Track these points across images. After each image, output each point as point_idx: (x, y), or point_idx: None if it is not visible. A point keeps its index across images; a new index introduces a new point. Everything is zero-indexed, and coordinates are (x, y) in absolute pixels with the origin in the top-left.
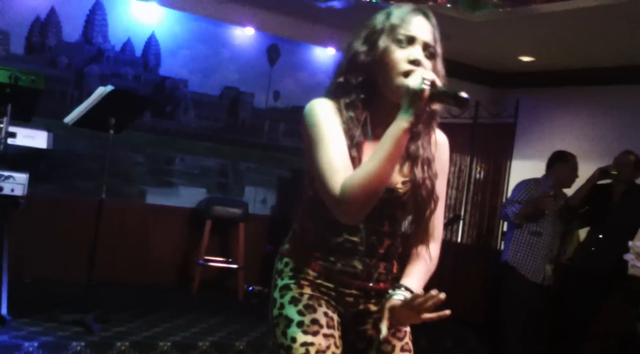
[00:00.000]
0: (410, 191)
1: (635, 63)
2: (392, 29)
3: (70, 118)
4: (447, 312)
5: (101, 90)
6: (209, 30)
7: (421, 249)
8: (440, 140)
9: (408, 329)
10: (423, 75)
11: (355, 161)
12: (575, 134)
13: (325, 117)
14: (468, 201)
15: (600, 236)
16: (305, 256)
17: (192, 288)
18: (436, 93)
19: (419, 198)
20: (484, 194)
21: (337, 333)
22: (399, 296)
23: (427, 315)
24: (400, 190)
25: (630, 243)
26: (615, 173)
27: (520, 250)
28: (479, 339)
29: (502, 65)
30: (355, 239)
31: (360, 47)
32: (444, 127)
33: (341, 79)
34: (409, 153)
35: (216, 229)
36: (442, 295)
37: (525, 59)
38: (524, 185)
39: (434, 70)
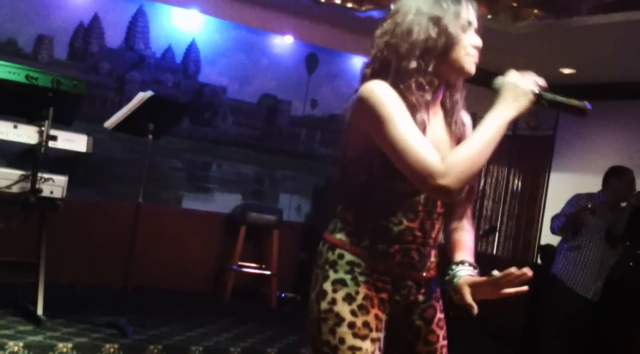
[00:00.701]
0: None
1: None
2: (457, 15)
3: (110, 123)
4: (525, 288)
5: (141, 96)
6: (249, 38)
7: (464, 224)
8: (466, 122)
9: (443, 316)
10: (537, 80)
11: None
12: (616, 149)
13: (392, 96)
14: (504, 213)
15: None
16: (364, 250)
17: (225, 293)
18: (549, 101)
19: None
20: (521, 206)
21: (382, 335)
22: (466, 272)
23: (507, 290)
24: None
25: None
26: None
27: (569, 265)
28: (512, 352)
29: (543, 78)
30: (413, 226)
31: (431, 32)
32: None
33: (413, 64)
34: (453, 130)
35: (250, 235)
36: (530, 273)
37: (566, 71)
38: (573, 199)
39: None
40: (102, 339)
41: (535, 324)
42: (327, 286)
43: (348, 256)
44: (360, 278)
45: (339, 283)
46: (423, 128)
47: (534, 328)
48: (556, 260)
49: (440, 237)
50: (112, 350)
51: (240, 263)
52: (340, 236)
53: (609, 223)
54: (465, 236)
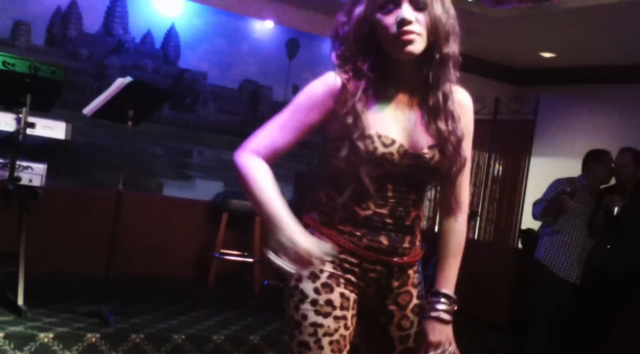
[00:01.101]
0: (438, 155)
1: None
2: None
3: (89, 109)
4: None
5: (120, 82)
6: (229, 23)
7: (450, 223)
8: (464, 102)
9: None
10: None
11: (352, 127)
12: (596, 132)
13: (307, 94)
14: (485, 198)
15: (615, 236)
16: (332, 230)
17: (208, 281)
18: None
19: (446, 156)
20: (502, 191)
21: (350, 313)
22: (439, 311)
23: None
24: (427, 155)
25: None
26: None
27: (551, 249)
28: (497, 339)
29: (523, 62)
30: (383, 211)
31: (342, 18)
32: None
33: (351, 50)
34: (429, 108)
35: (233, 222)
36: None
37: (546, 55)
38: (553, 183)
39: (431, 18)
40: (84, 329)
41: (520, 310)
42: None
43: (317, 235)
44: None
45: None
46: (358, 113)
47: (520, 313)
48: (539, 245)
49: (421, 223)
50: (94, 339)
51: (222, 250)
52: (312, 215)
53: (590, 209)
54: (447, 248)
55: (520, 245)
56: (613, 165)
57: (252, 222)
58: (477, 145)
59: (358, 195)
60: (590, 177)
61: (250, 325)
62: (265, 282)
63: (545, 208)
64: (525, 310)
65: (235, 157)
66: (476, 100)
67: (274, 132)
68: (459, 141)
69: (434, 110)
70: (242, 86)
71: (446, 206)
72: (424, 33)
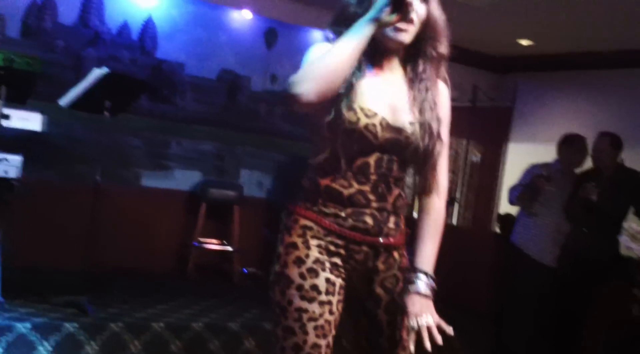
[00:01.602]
0: (418, 131)
1: (636, 47)
2: None
3: (65, 100)
4: (448, 331)
5: (96, 72)
6: (206, 13)
7: (428, 204)
8: (442, 91)
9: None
10: None
11: (341, 95)
12: (573, 118)
13: (317, 47)
14: (464, 184)
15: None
16: (317, 213)
17: (187, 270)
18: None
19: (425, 133)
20: (480, 177)
21: (335, 299)
22: (418, 285)
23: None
24: (408, 130)
25: (625, 225)
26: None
27: (526, 232)
28: (476, 324)
29: (501, 49)
30: (365, 188)
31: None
32: None
33: (341, 29)
34: (415, 96)
35: (211, 212)
36: (448, 331)
37: (524, 42)
38: (529, 169)
39: (430, 15)
40: (62, 319)
41: (499, 295)
42: (282, 250)
43: (302, 221)
44: (312, 242)
45: (291, 247)
46: (351, 83)
47: (499, 298)
48: (515, 228)
49: (404, 206)
50: (72, 329)
51: (201, 239)
52: (297, 201)
53: (565, 192)
54: (425, 229)
55: (498, 230)
56: (592, 149)
57: (230, 211)
58: (455, 132)
59: (340, 173)
60: (565, 161)
61: (230, 313)
62: (245, 270)
63: (522, 192)
64: (504, 295)
65: (295, 91)
66: (454, 87)
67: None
68: (439, 122)
69: (419, 98)
70: (220, 76)
71: (425, 187)
72: (418, 25)
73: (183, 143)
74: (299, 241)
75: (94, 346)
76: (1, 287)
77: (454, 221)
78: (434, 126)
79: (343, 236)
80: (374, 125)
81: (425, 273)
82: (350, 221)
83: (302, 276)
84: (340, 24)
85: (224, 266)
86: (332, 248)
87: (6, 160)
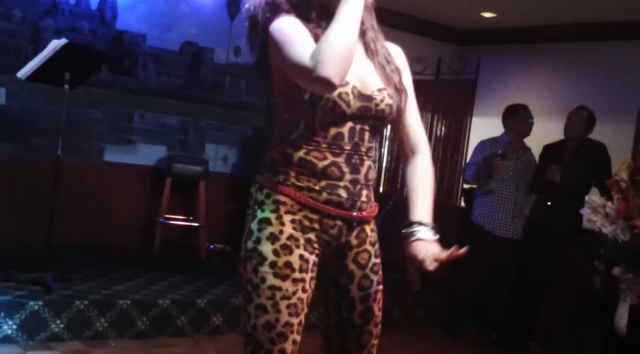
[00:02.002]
0: (387, 97)
1: (595, 20)
2: None
3: (23, 73)
4: (462, 251)
5: (55, 43)
6: None
7: (414, 159)
8: (394, 49)
9: (379, 260)
10: None
11: None
12: (536, 91)
13: (289, 21)
14: None
15: (555, 193)
16: (290, 188)
17: (152, 247)
18: None
19: (393, 95)
20: (444, 151)
21: (309, 276)
22: (419, 235)
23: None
24: (377, 97)
25: (586, 198)
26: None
27: (484, 208)
28: (440, 296)
29: (465, 22)
30: (339, 160)
31: None
32: None
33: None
34: (378, 56)
35: (177, 187)
36: (463, 251)
37: (487, 15)
38: (479, 146)
39: None
40: (26, 297)
41: (462, 267)
42: (254, 225)
43: (274, 195)
44: (286, 217)
45: (264, 222)
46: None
47: (462, 270)
48: (473, 206)
49: (374, 177)
50: (36, 307)
51: (167, 215)
52: (267, 175)
53: (516, 163)
54: (416, 182)
55: (462, 204)
56: (566, 122)
57: (196, 186)
58: (419, 106)
59: (313, 145)
60: (512, 132)
61: (197, 289)
62: (212, 246)
63: (477, 172)
64: (466, 268)
65: (309, 66)
66: (418, 60)
67: (299, 39)
68: (399, 74)
69: (380, 59)
70: (182, 48)
71: (405, 149)
72: None
73: (146, 117)
74: (272, 216)
75: (60, 324)
76: None
77: None
78: (398, 80)
79: (317, 211)
80: (347, 94)
81: (422, 223)
82: (324, 194)
83: (275, 253)
84: None
85: (190, 242)
86: (306, 222)
87: None
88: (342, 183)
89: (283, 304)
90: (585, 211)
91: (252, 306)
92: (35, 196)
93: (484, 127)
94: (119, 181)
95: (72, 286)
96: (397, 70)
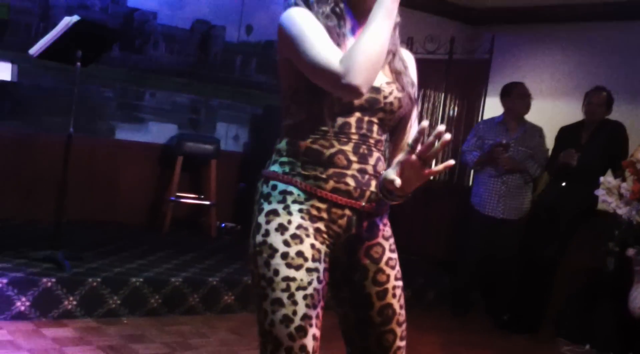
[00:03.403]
0: (395, 91)
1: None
2: None
3: (35, 50)
4: (452, 162)
5: (67, 20)
6: None
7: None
8: (407, 56)
9: (396, 256)
10: None
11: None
12: (551, 71)
13: (305, 16)
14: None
15: (570, 174)
16: (296, 177)
17: (163, 225)
18: None
19: (400, 92)
20: (457, 131)
21: (322, 266)
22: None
23: (432, 169)
24: (385, 90)
25: (601, 179)
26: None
27: (477, 188)
28: (451, 278)
29: (479, 1)
30: (346, 148)
31: None
32: (418, 62)
33: None
34: (391, 61)
35: (187, 166)
36: (443, 128)
37: None
38: (473, 130)
39: None
40: (39, 274)
41: (460, 248)
42: (261, 218)
43: (281, 186)
44: (293, 207)
45: (272, 214)
46: (338, 37)
47: (459, 251)
48: (472, 190)
49: (383, 168)
50: (49, 284)
51: (178, 194)
52: (274, 167)
53: (514, 146)
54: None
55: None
56: (586, 103)
57: (207, 165)
58: (432, 85)
59: (320, 134)
60: (507, 112)
61: (208, 268)
62: (222, 225)
63: (480, 161)
64: (463, 247)
65: (339, 72)
66: (431, 39)
67: (320, 38)
68: (411, 81)
69: (389, 56)
70: (193, 26)
71: (397, 147)
72: None
73: (157, 95)
74: (279, 207)
75: (72, 301)
76: None
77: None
78: (407, 84)
79: (325, 199)
80: None
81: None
82: (331, 183)
83: (286, 243)
84: None
85: (200, 220)
86: (314, 212)
87: None
88: (349, 172)
89: (299, 295)
90: (599, 193)
91: (268, 302)
92: (45, 174)
93: (498, 107)
94: (129, 160)
95: (84, 264)
96: (413, 84)
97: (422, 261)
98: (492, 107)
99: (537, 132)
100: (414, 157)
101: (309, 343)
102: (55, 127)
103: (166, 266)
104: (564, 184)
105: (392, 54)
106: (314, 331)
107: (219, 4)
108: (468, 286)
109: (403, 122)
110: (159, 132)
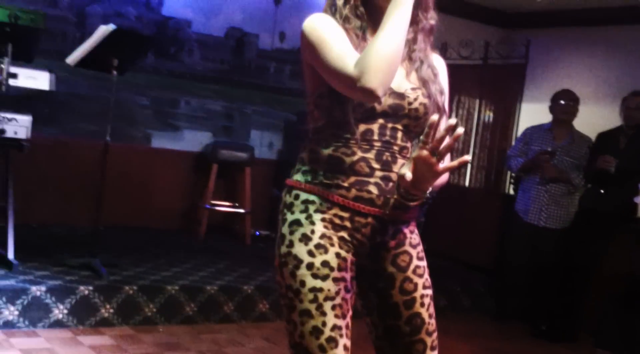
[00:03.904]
0: (420, 97)
1: None
2: None
3: (72, 58)
4: (467, 158)
5: (103, 29)
6: None
7: None
8: (439, 62)
9: (425, 264)
10: None
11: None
12: (586, 76)
13: (325, 22)
14: (476, 145)
15: (608, 180)
16: (318, 186)
17: (199, 232)
18: None
19: (427, 98)
20: (492, 137)
21: (349, 275)
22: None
23: (446, 165)
24: (411, 96)
25: None
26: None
27: (521, 194)
28: (486, 284)
29: (513, 5)
30: (369, 156)
31: None
32: (452, 68)
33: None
34: (413, 59)
35: (222, 173)
36: (454, 121)
37: None
38: (521, 135)
39: None
40: (77, 282)
41: (504, 255)
42: (285, 229)
43: (303, 195)
44: (316, 217)
45: (295, 224)
46: (360, 46)
47: (504, 258)
48: (517, 195)
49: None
50: (87, 292)
51: (212, 201)
52: (296, 177)
53: (559, 155)
54: None
55: (511, 191)
56: (624, 107)
57: (241, 172)
58: (467, 90)
59: (342, 141)
60: (553, 119)
61: (243, 275)
62: (257, 233)
63: (523, 167)
64: (506, 254)
65: (354, 76)
66: (465, 44)
67: (339, 44)
68: (440, 89)
69: (417, 62)
70: (227, 33)
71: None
72: None
73: (191, 102)
74: (302, 217)
75: (109, 309)
76: (14, 248)
77: (466, 182)
78: (439, 99)
79: (347, 208)
80: None
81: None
82: (353, 191)
83: (310, 253)
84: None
85: (235, 227)
86: (337, 221)
87: (15, 120)
88: (372, 180)
89: (328, 306)
90: (639, 200)
91: (296, 313)
92: (82, 180)
93: (534, 112)
94: (165, 167)
95: (121, 271)
96: (442, 92)
97: (457, 267)
98: (529, 113)
99: (585, 142)
100: (425, 151)
101: (340, 353)
102: (91, 134)
103: (201, 274)
104: (602, 191)
105: (420, 61)
106: (344, 341)
107: (253, 11)
108: (510, 292)
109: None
110: (193, 140)
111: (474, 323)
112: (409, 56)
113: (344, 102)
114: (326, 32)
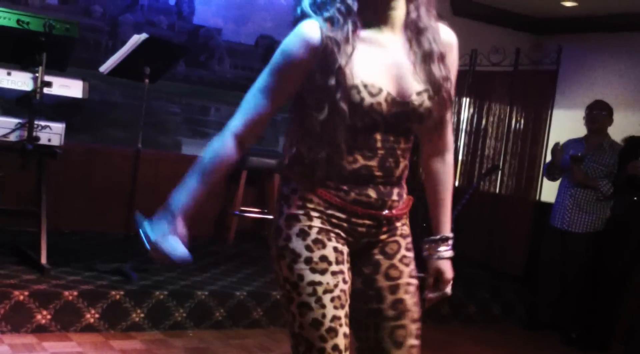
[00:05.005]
0: (426, 101)
1: None
2: None
3: (105, 67)
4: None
5: (136, 38)
6: None
7: (440, 162)
8: (449, 39)
9: (412, 255)
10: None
11: (334, 88)
12: (619, 82)
13: (280, 62)
14: (507, 152)
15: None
16: (316, 185)
17: (228, 238)
18: None
19: (434, 100)
20: (523, 144)
21: (346, 267)
22: (445, 254)
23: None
24: (416, 102)
25: None
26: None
27: (555, 201)
28: (515, 291)
29: (544, 11)
30: (372, 164)
31: None
32: (482, 75)
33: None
34: (423, 51)
35: (251, 179)
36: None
37: (568, 4)
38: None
39: None
40: (108, 286)
41: (535, 262)
42: (282, 222)
43: (301, 192)
44: (314, 214)
45: (292, 219)
46: (342, 71)
47: (534, 265)
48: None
49: (407, 173)
50: (118, 297)
51: (242, 207)
52: (294, 168)
53: (588, 162)
54: (438, 189)
55: (542, 198)
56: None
57: (271, 179)
58: (498, 97)
59: (343, 148)
60: (587, 129)
61: (272, 281)
62: None
63: (549, 167)
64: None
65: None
66: (496, 51)
67: (256, 103)
68: (452, 86)
69: (426, 54)
70: (257, 42)
71: (434, 148)
72: None
73: (221, 110)
74: (299, 212)
75: (140, 313)
76: (46, 253)
77: (497, 189)
78: (447, 85)
79: (345, 210)
80: (380, 104)
81: (448, 238)
82: (352, 194)
83: (308, 248)
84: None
85: (263, 234)
86: (334, 220)
87: (49, 127)
88: (372, 185)
89: (327, 299)
90: None
91: (294, 305)
92: (114, 186)
93: (566, 120)
94: None
95: (151, 276)
96: (449, 80)
97: (488, 275)
98: (560, 119)
99: (617, 150)
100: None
101: (341, 341)
102: (123, 141)
103: (230, 279)
104: (635, 198)
105: (429, 56)
106: (344, 329)
107: (283, 19)
108: (541, 301)
109: (439, 124)
110: None
111: (504, 331)
112: (417, 39)
113: (345, 114)
114: (273, 67)
